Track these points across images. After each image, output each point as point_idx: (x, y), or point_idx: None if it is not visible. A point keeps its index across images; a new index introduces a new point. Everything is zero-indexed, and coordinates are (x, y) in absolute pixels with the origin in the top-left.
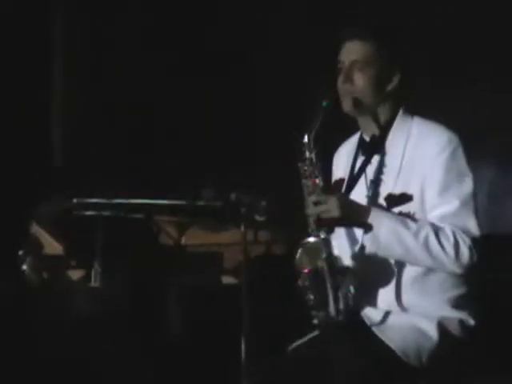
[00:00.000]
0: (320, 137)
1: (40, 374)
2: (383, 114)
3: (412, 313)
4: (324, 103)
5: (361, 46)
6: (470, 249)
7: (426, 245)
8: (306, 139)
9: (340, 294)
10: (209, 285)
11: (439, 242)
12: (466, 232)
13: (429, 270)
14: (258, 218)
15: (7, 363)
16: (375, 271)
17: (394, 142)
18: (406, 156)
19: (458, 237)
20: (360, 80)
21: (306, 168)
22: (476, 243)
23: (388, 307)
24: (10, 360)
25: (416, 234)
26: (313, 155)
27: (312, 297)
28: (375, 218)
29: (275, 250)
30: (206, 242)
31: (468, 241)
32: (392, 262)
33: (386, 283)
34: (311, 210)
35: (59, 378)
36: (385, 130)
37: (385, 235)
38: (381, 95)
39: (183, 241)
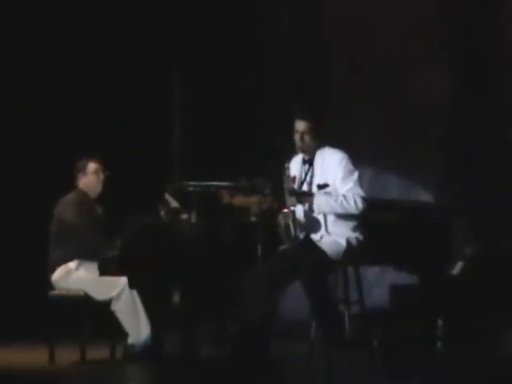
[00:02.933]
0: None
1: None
2: (313, 149)
3: (333, 235)
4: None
5: (304, 124)
6: (361, 202)
7: (341, 204)
8: (287, 165)
9: (298, 230)
10: (242, 221)
11: (347, 202)
12: (358, 195)
13: (341, 216)
14: (266, 192)
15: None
16: (314, 220)
17: (317, 160)
18: (323, 166)
19: (355, 197)
20: (306, 141)
21: (285, 177)
22: (363, 199)
23: (322, 233)
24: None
25: (336, 201)
26: (289, 172)
27: (284, 234)
28: (317, 197)
29: (273, 206)
30: (241, 201)
31: (359, 199)
32: (322, 215)
33: (320, 223)
34: (288, 201)
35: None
36: (313, 155)
37: (323, 204)
38: (313, 145)
39: (232, 201)
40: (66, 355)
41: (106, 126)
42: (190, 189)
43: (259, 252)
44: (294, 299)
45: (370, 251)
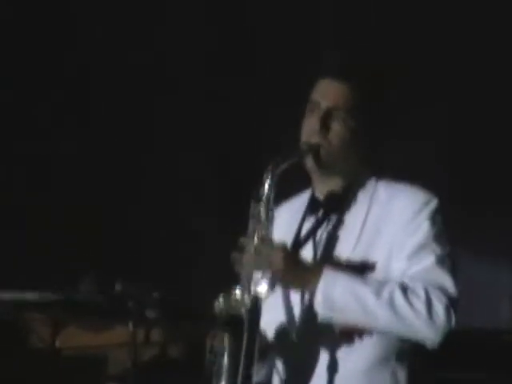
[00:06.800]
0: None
1: None
2: (347, 171)
3: None
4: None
5: (344, 89)
6: (447, 308)
7: (391, 303)
8: (269, 176)
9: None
10: None
11: (407, 299)
12: (441, 290)
13: (381, 361)
14: (148, 313)
15: None
16: (312, 354)
17: (355, 203)
18: (370, 219)
19: (432, 294)
20: (338, 131)
21: (259, 209)
22: (453, 303)
23: None
24: None
25: (378, 292)
26: (271, 196)
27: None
28: (328, 276)
29: (171, 352)
30: (87, 344)
31: (444, 299)
32: (335, 347)
33: (323, 373)
34: (249, 259)
35: None
36: (346, 189)
37: (340, 295)
38: (355, 152)
39: (58, 343)
40: None
41: None
42: None
43: None
44: None
45: None
